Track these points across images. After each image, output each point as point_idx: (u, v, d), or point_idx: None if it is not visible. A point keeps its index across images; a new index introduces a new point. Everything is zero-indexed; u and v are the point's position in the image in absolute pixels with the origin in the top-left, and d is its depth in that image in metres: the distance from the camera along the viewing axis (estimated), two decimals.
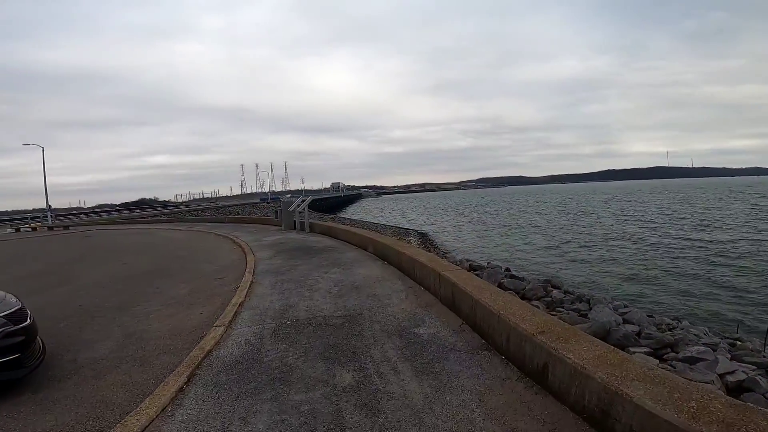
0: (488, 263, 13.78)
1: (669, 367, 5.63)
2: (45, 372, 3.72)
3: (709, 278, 12.87)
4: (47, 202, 31.07)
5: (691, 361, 5.67)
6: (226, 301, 5.80)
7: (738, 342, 7.47)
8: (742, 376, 4.99)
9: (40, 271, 10.37)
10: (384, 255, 8.38)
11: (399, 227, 31.34)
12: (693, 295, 11.37)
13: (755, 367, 5.52)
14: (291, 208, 16.82)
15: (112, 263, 10.85)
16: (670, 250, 17.99)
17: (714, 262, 15.12)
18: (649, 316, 8.40)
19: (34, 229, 28.55)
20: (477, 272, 11.17)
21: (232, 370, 3.50)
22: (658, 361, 5.70)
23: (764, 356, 6.31)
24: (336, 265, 8.05)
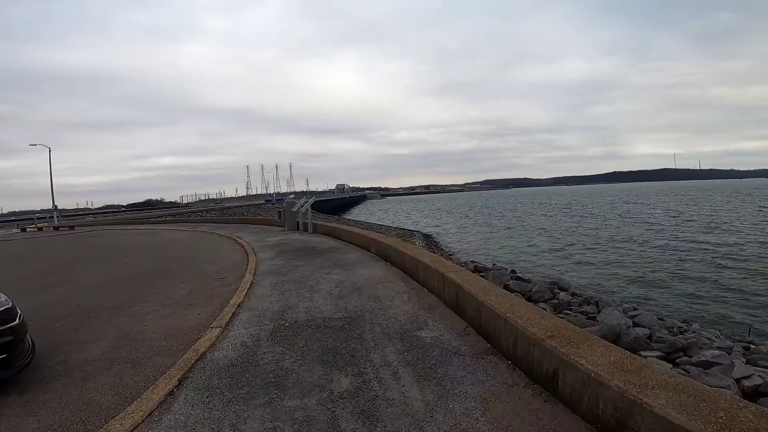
0: (493, 265, 13.59)
1: (683, 371, 5.46)
2: (34, 373, 3.62)
3: (717, 281, 12.61)
4: (53, 202, 31.29)
5: (706, 365, 5.48)
6: (225, 301, 5.68)
7: (752, 345, 7.24)
8: (759, 381, 4.82)
9: (42, 271, 10.34)
10: (387, 256, 8.22)
11: (403, 229, 31.19)
12: (701, 297, 11.13)
13: None
14: (294, 209, 16.72)
15: (114, 263, 10.81)
16: (677, 252, 17.69)
17: (721, 264, 14.83)
18: (659, 319, 8.17)
19: (40, 229, 28.72)
20: (482, 274, 10.98)
21: (226, 373, 3.35)
22: (671, 365, 5.50)
23: None
24: (338, 266, 7.90)
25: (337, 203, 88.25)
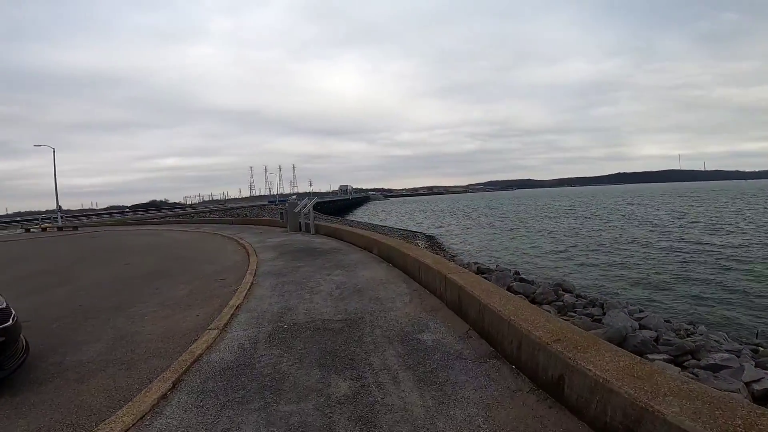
0: (497, 266, 13.46)
1: (691, 375, 5.34)
2: (28, 374, 3.58)
3: (722, 283, 12.43)
4: (57, 203, 31.42)
5: (715, 368, 5.36)
6: (224, 303, 5.61)
7: (760, 348, 7.10)
8: None
9: (43, 271, 10.34)
10: (389, 257, 8.13)
11: (406, 230, 31.08)
12: (706, 299, 10.97)
13: None
14: (296, 210, 16.67)
15: (115, 264, 10.79)
16: (682, 254, 17.49)
17: (726, 266, 14.63)
18: (666, 321, 8.02)
19: (43, 229, 28.85)
20: (485, 275, 10.86)
21: (221, 376, 3.27)
22: (679, 368, 5.38)
23: None
24: (339, 267, 7.82)
25: (341, 204, 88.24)
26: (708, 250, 17.86)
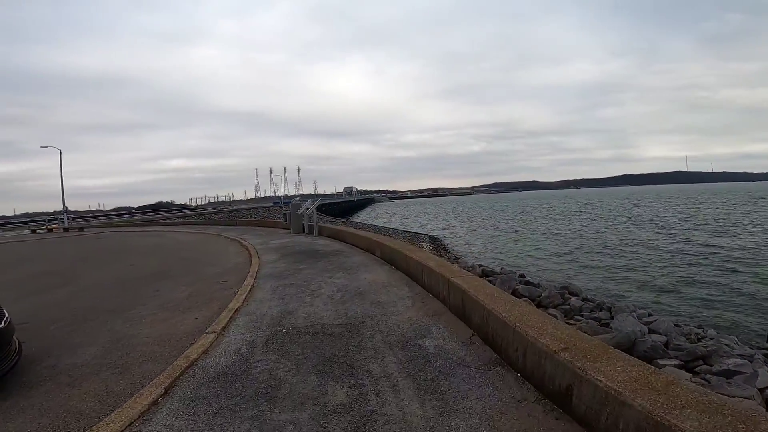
0: (501, 268, 13.28)
1: (703, 381, 5.18)
2: (20, 377, 3.52)
3: (729, 286, 12.18)
4: (64, 204, 31.66)
5: (728, 374, 5.19)
6: (223, 306, 5.52)
7: None
8: None
9: (46, 272, 10.35)
10: (392, 259, 8.00)
11: (411, 232, 30.92)
12: (713, 302, 10.74)
13: None
14: (300, 211, 16.60)
15: (118, 265, 10.79)
16: (688, 256, 17.21)
17: (733, 269, 14.35)
18: (675, 325, 7.82)
19: (49, 230, 29.05)
20: (490, 278, 10.70)
21: (215, 382, 3.17)
22: (691, 375, 5.21)
23: None
24: (341, 270, 7.71)
25: (345, 206, 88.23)
26: (714, 253, 17.57)
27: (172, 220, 37.88)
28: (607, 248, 20.41)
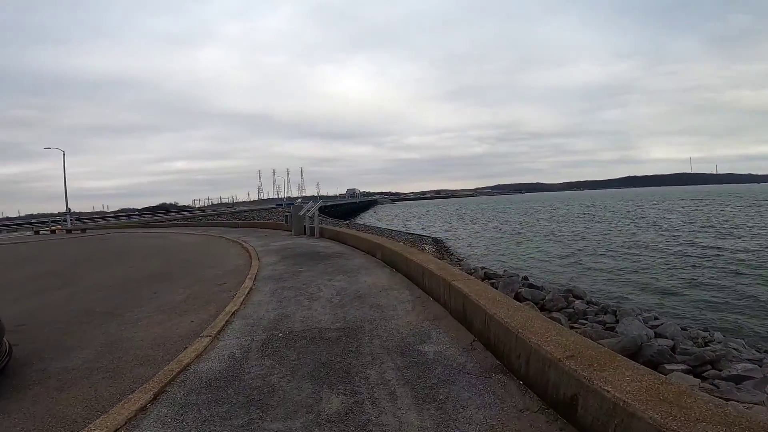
0: (504, 271, 13.14)
1: (712, 386, 5.04)
2: (9, 380, 3.45)
3: (733, 288, 11.99)
4: (67, 205, 31.75)
5: (737, 379, 5.05)
6: (220, 308, 5.43)
7: None
8: None
9: (46, 273, 10.33)
10: (392, 262, 7.89)
11: (414, 234, 30.78)
12: (717, 305, 10.57)
13: None
14: (301, 213, 16.52)
15: (118, 266, 10.75)
16: (692, 258, 16.99)
17: (738, 272, 14.14)
18: (682, 329, 7.65)
19: (53, 231, 29.13)
20: (492, 281, 10.56)
21: (207, 388, 3.06)
22: (699, 380, 5.06)
23: None
24: (341, 272, 7.60)
25: (348, 208, 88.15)
26: (718, 255, 17.36)
27: (175, 222, 37.94)
28: (611, 250, 20.21)
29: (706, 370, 5.52)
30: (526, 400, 2.66)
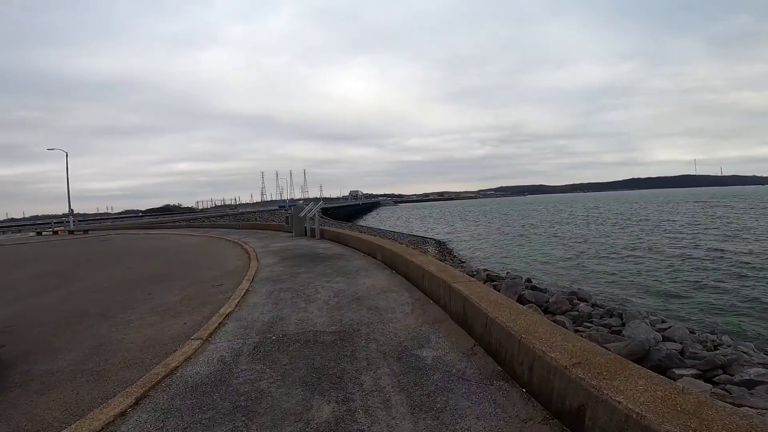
0: (507, 273, 12.94)
1: (723, 391, 4.85)
2: None
3: (738, 291, 11.75)
4: (69, 206, 31.78)
5: (750, 384, 4.84)
6: (215, 310, 5.29)
7: None
8: None
9: (45, 273, 10.27)
10: (393, 263, 7.73)
11: (416, 236, 30.59)
12: (722, 308, 10.33)
13: None
14: (302, 214, 16.38)
15: (117, 267, 10.68)
16: (696, 260, 16.74)
17: (743, 275, 13.89)
18: (690, 332, 7.43)
19: (55, 232, 29.16)
20: (495, 283, 10.37)
21: (192, 393, 2.92)
22: (711, 385, 4.87)
23: None
24: (340, 274, 7.45)
25: (351, 210, 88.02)
26: (723, 257, 17.10)
27: (177, 224, 37.95)
28: (614, 252, 19.96)
29: (717, 375, 5.32)
30: (529, 410, 2.48)
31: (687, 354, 5.94)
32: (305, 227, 16.07)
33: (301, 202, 22.73)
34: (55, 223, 37.85)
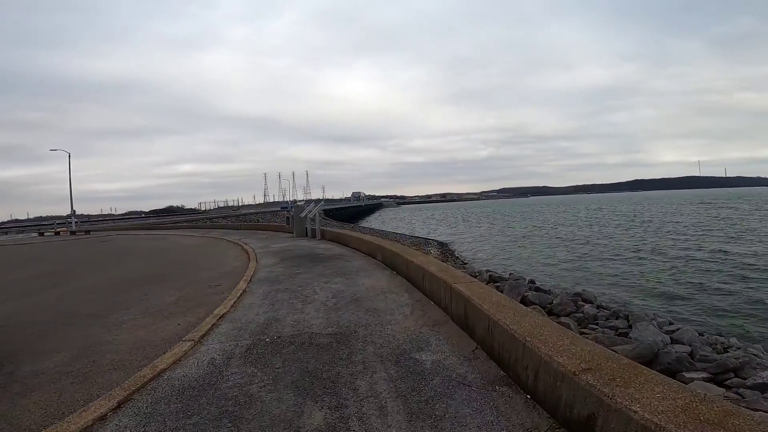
0: (510, 274, 12.75)
1: (736, 395, 4.66)
2: None
3: (742, 293, 11.51)
4: (72, 207, 31.83)
5: (763, 388, 4.65)
6: (210, 311, 5.15)
7: None
8: None
9: (43, 273, 10.19)
10: (393, 264, 7.57)
11: (419, 237, 30.41)
12: (726, 310, 10.12)
13: None
14: (303, 215, 16.25)
15: (115, 267, 10.59)
16: (700, 262, 16.49)
17: (747, 276, 13.64)
18: (699, 334, 7.23)
19: (57, 233, 29.18)
20: (497, 284, 10.19)
21: (179, 397, 2.77)
22: (723, 390, 4.68)
23: None
24: (339, 275, 7.30)
25: (353, 211, 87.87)
26: (727, 259, 16.85)
27: (179, 224, 37.95)
28: (618, 254, 19.73)
29: (729, 378, 5.14)
30: (534, 418, 2.32)
31: (697, 357, 5.75)
32: (306, 228, 15.94)
33: (302, 202, 22.57)
34: (57, 224, 37.93)
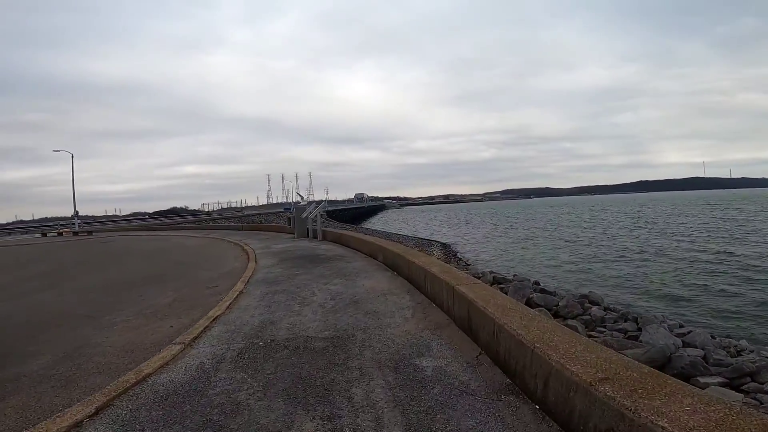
0: (514, 276, 12.53)
1: (754, 400, 4.45)
2: None
3: (747, 295, 11.25)
4: (75, 208, 31.86)
5: None
6: (204, 313, 4.98)
7: None
8: None
9: (42, 274, 10.12)
10: (394, 265, 7.38)
11: (422, 238, 30.21)
12: (731, 312, 9.88)
13: None
14: (304, 215, 16.09)
15: (114, 268, 10.49)
16: (706, 264, 16.21)
17: (752, 278, 13.37)
18: (712, 337, 6.99)
19: (60, 234, 29.22)
20: (502, 285, 9.99)
21: (162, 403, 2.60)
22: (742, 395, 4.46)
23: None
24: (339, 276, 7.12)
25: (355, 212, 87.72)
26: (732, 260, 16.56)
27: (182, 225, 37.94)
28: (623, 256, 19.46)
29: (746, 383, 4.94)
30: (543, 431, 2.12)
31: (711, 361, 5.53)
32: (307, 229, 15.78)
33: (303, 202, 22.41)
34: (61, 225, 38.05)
